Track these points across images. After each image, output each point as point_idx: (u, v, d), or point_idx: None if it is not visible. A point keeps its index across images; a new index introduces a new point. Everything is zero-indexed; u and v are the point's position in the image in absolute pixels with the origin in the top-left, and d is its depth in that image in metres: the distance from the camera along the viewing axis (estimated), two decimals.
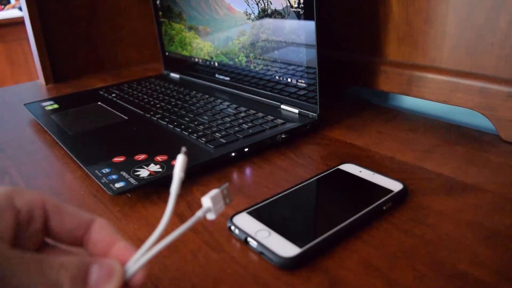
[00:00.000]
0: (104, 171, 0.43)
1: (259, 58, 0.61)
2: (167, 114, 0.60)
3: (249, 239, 0.33)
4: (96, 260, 0.22)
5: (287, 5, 0.53)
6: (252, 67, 0.63)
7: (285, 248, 0.31)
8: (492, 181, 0.40)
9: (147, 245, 0.23)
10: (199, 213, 0.24)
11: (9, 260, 0.19)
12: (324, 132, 0.54)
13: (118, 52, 1.00)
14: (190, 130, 0.53)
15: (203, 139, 0.50)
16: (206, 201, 0.24)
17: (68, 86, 0.88)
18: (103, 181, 0.41)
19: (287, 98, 0.58)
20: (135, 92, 0.74)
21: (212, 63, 0.73)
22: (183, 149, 0.25)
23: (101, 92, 0.76)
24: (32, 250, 0.23)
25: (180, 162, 0.24)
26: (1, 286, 0.19)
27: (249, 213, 0.36)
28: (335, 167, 0.43)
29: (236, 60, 0.66)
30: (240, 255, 0.32)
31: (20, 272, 0.19)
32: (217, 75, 0.72)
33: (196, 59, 0.77)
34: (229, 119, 0.55)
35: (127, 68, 1.01)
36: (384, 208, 0.36)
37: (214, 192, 0.25)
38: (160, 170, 0.43)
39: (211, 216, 0.25)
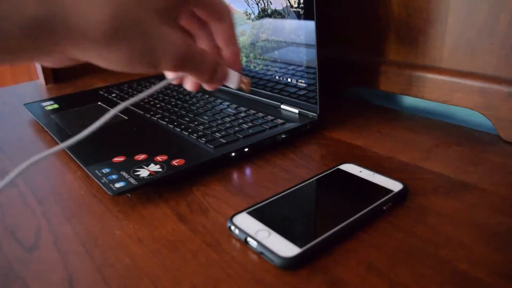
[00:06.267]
0: (104, 171, 0.43)
1: (259, 58, 0.61)
2: (167, 114, 0.60)
3: (249, 239, 0.33)
4: (222, 64, 0.31)
5: (287, 5, 0.53)
6: (252, 67, 0.63)
7: (285, 248, 0.31)
8: (492, 181, 0.40)
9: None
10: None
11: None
12: (324, 132, 0.54)
13: None
14: (190, 130, 0.53)
15: (203, 139, 0.50)
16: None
17: (68, 86, 0.88)
18: (103, 181, 0.41)
19: (287, 98, 0.58)
20: (135, 92, 0.74)
21: None
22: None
23: (101, 92, 0.76)
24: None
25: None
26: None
27: (249, 213, 0.36)
28: (335, 167, 0.43)
29: None
30: (240, 255, 0.32)
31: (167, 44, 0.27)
32: None
33: None
34: (229, 119, 0.55)
35: None
36: (384, 208, 0.36)
37: (233, 72, 0.32)
38: (160, 170, 0.43)
39: (232, 83, 0.33)
